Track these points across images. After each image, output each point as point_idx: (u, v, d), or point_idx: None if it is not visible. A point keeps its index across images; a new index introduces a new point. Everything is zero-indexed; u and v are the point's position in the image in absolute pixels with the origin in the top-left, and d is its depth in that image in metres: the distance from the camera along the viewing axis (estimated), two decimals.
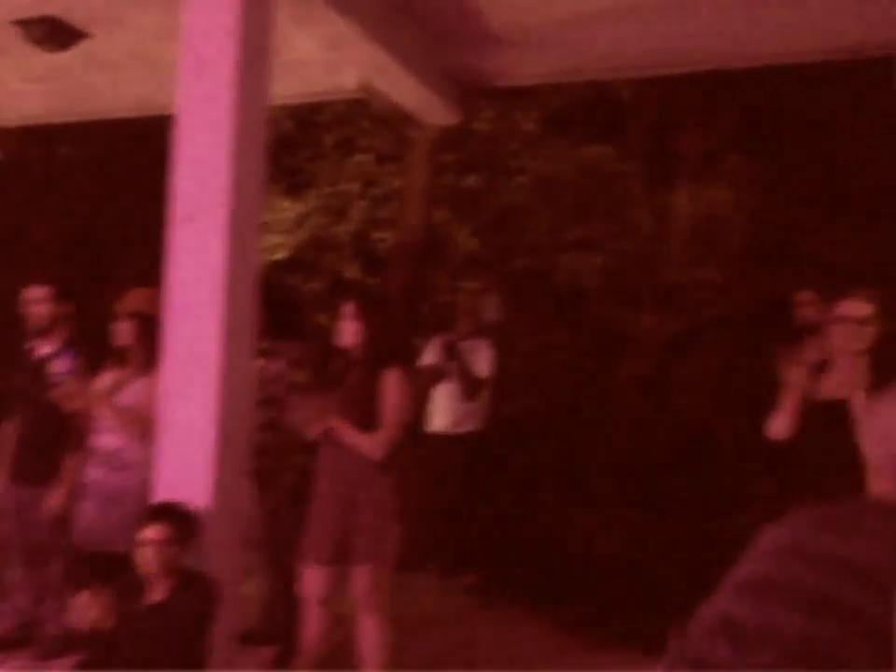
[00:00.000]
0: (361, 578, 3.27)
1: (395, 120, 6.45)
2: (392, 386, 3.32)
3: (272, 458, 3.76)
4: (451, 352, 4.95)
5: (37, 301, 3.77)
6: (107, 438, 3.52)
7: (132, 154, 6.92)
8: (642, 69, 4.99)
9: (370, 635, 3.31)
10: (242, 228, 3.20)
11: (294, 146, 7.24)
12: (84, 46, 4.31)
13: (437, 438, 5.08)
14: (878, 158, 6.36)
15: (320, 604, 3.35)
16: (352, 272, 7.05)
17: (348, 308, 3.39)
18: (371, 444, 3.27)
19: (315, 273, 7.15)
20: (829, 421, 3.25)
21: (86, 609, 2.95)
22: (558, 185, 6.61)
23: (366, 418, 3.28)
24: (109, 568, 2.97)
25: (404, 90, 4.74)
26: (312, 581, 3.33)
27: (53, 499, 3.62)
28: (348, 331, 3.37)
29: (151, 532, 2.88)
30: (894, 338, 3.59)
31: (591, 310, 7.11)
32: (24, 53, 4.40)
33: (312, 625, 3.37)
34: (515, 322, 6.67)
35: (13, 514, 3.72)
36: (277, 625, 3.74)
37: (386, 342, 3.41)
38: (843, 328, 3.28)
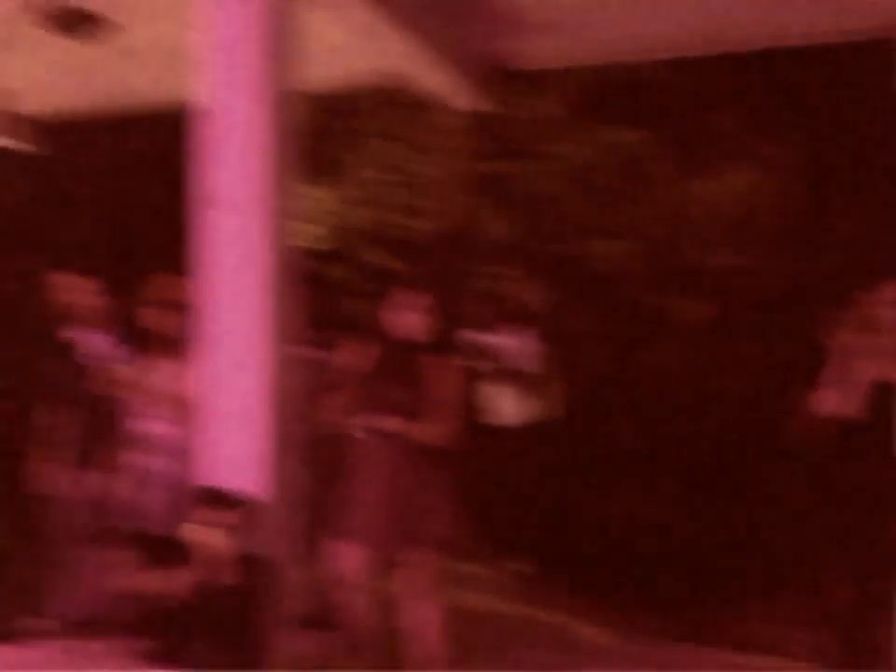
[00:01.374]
0: (413, 562, 3.27)
1: (424, 107, 6.43)
2: (446, 375, 3.34)
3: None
4: (498, 347, 4.96)
5: (77, 290, 3.83)
6: (146, 423, 3.57)
7: (166, 145, 6.96)
8: (668, 51, 4.92)
9: (421, 620, 3.32)
10: (273, 215, 3.19)
11: (324, 134, 7.25)
12: (113, 37, 4.34)
13: (492, 430, 5.12)
14: None
15: (365, 588, 3.36)
16: (384, 260, 7.05)
17: (416, 300, 3.39)
18: (424, 432, 3.28)
19: (343, 261, 7.17)
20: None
21: (146, 591, 2.99)
22: (589, 170, 6.54)
23: (418, 406, 3.29)
24: (162, 550, 3.01)
25: (432, 75, 4.72)
26: (356, 564, 3.34)
27: (91, 485, 3.68)
28: (411, 322, 3.37)
29: (210, 515, 2.91)
30: None
31: (624, 296, 7.03)
32: (52, 44, 4.43)
33: (358, 609, 3.38)
34: (554, 311, 6.58)
35: (63, 498, 3.79)
36: (330, 611, 3.76)
37: (441, 332, 3.44)
38: None
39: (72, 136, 6.31)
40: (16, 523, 4.76)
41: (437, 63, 4.60)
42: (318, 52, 3.59)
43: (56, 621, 3.75)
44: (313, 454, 3.65)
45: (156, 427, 3.55)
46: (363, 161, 7.38)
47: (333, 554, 3.42)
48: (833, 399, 3.37)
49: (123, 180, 7.34)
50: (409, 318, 3.42)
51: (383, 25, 4.13)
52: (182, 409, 3.39)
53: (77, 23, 4.12)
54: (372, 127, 7.43)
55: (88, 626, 3.59)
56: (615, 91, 6.86)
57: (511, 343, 5.00)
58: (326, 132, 7.27)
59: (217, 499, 2.97)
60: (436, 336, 3.46)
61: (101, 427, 3.64)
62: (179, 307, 3.46)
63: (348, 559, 3.37)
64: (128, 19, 4.25)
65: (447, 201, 6.73)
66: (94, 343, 3.77)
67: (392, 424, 3.29)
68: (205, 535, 2.92)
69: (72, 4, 4.07)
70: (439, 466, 3.37)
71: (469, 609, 4.27)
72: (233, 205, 3.20)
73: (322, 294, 4.21)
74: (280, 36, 3.30)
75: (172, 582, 2.95)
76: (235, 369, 3.14)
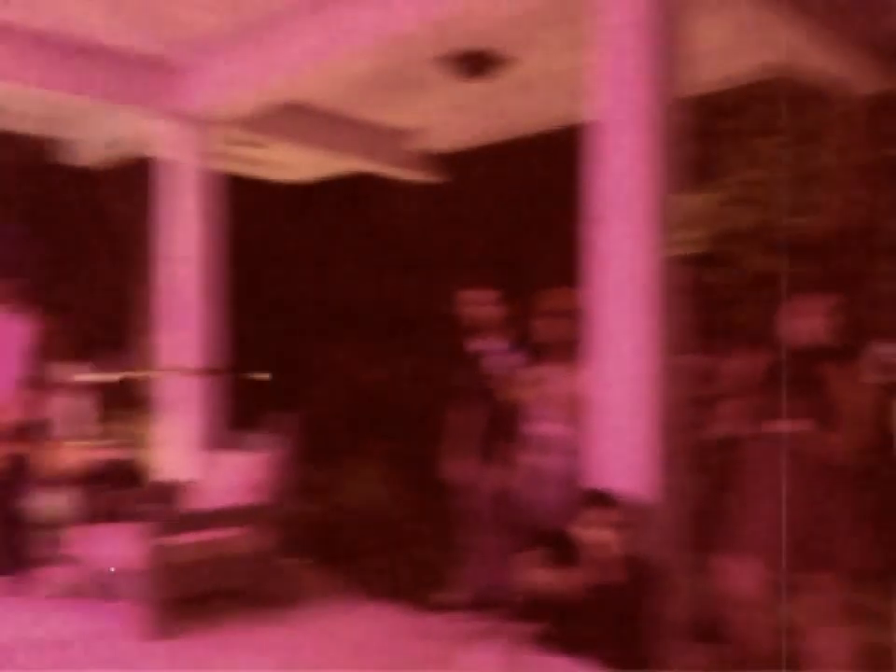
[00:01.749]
0: (818, 587, 3.11)
1: (812, 97, 5.99)
2: (851, 385, 3.12)
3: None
4: None
5: (479, 303, 4.23)
6: (541, 425, 3.83)
7: (554, 166, 7.36)
8: None
9: (825, 649, 3.11)
10: (660, 223, 3.25)
11: (703, 136, 7.08)
12: (508, 71, 4.72)
13: None
14: None
15: (758, 607, 3.25)
16: (769, 263, 6.68)
17: (815, 304, 3.25)
18: (825, 444, 3.09)
19: (724, 265, 6.93)
20: None
21: (539, 581, 3.20)
22: None
23: (819, 416, 3.10)
24: (555, 544, 3.21)
25: (828, 61, 4.42)
26: (749, 581, 3.24)
27: (492, 478, 4.04)
28: (810, 328, 3.23)
29: (598, 515, 3.04)
30: None
31: None
32: (451, 85, 4.93)
33: (750, 627, 3.28)
34: None
35: (468, 489, 4.20)
36: (720, 625, 3.69)
37: (845, 339, 3.23)
38: None
39: (470, 164, 6.95)
40: (428, 509, 5.38)
41: (833, 48, 4.29)
42: (704, 55, 3.56)
43: (460, 598, 4.16)
44: (705, 462, 3.61)
45: (550, 428, 3.79)
46: (744, 160, 7.07)
47: (725, 567, 3.34)
48: None
49: (518, 201, 7.91)
50: (808, 324, 3.23)
51: (771, 19, 3.96)
52: (574, 411, 3.58)
53: (478, 65, 4.55)
54: (753, 124, 7.09)
55: (486, 606, 3.92)
56: None
57: None
58: (705, 133, 7.08)
59: (604, 500, 3.08)
60: (839, 343, 3.22)
61: (502, 426, 3.97)
62: (571, 316, 3.65)
63: (741, 574, 3.26)
64: (520, 52, 4.60)
65: (843, 195, 6.17)
66: (496, 351, 4.13)
67: (791, 434, 3.13)
68: (594, 533, 3.04)
69: (470, 47, 4.50)
70: (847, 485, 3.12)
71: (877, 644, 3.87)
72: (621, 217, 3.31)
73: (704, 300, 4.14)
74: (667, 47, 3.34)
75: (562, 574, 3.12)
76: (623, 375, 3.25)
